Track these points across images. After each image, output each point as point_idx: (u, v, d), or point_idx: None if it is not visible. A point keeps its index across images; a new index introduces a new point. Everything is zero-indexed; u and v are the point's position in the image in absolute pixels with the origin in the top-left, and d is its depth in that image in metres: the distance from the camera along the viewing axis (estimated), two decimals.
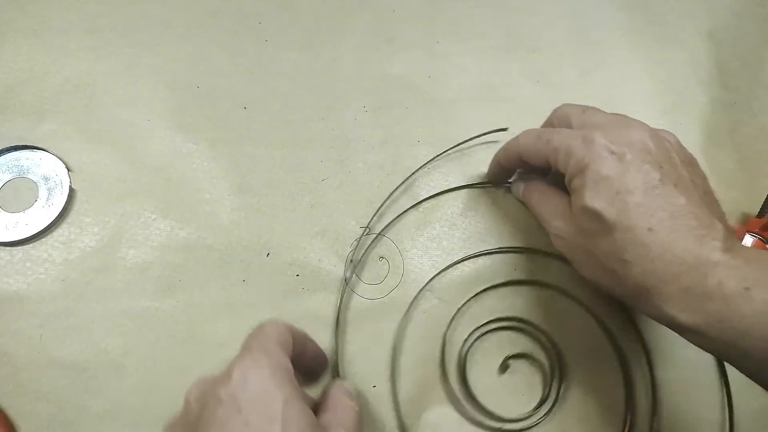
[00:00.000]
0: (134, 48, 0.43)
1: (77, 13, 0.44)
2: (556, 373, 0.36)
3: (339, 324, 0.36)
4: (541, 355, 0.37)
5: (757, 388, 0.36)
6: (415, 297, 0.38)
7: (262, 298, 0.37)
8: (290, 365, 0.25)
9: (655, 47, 0.46)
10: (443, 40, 0.45)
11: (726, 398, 0.36)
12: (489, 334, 0.37)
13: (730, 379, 0.36)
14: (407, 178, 0.40)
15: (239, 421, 0.21)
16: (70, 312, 0.36)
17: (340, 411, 0.28)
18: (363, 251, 0.38)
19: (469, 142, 0.41)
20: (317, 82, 0.43)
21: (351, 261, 0.38)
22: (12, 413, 0.34)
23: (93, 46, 0.43)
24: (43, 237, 0.37)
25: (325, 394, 0.30)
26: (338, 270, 0.38)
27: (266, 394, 0.22)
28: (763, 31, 0.47)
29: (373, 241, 0.39)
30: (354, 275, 0.38)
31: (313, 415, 0.24)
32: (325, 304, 0.37)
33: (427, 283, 0.38)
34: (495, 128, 0.41)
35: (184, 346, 0.35)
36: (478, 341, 0.37)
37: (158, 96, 0.42)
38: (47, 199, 0.38)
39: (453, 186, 0.41)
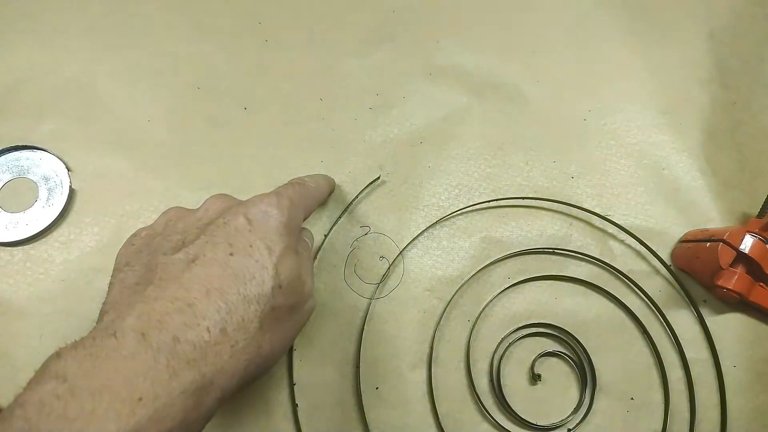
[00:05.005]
0: (134, 48, 0.43)
1: (77, 13, 0.44)
2: (588, 377, 0.37)
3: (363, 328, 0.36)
4: (569, 354, 0.37)
5: (753, 390, 0.36)
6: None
7: None
8: (301, 222, 0.31)
9: (655, 47, 0.46)
10: (443, 40, 0.45)
11: (720, 398, 0.36)
12: (516, 341, 0.37)
13: (726, 379, 0.37)
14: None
15: (245, 238, 0.26)
16: (70, 312, 0.36)
17: (306, 260, 0.30)
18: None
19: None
20: (317, 82, 0.43)
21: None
22: None
23: (93, 46, 0.43)
24: (43, 237, 0.37)
25: None
26: (339, 269, 0.38)
27: (275, 235, 0.27)
28: (763, 31, 0.47)
29: (373, 240, 0.39)
30: (354, 274, 0.38)
31: (299, 267, 0.28)
32: (328, 304, 0.37)
33: (456, 291, 0.38)
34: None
35: None
36: (509, 348, 0.37)
37: (158, 96, 0.42)
38: (47, 199, 0.38)
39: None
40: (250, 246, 0.26)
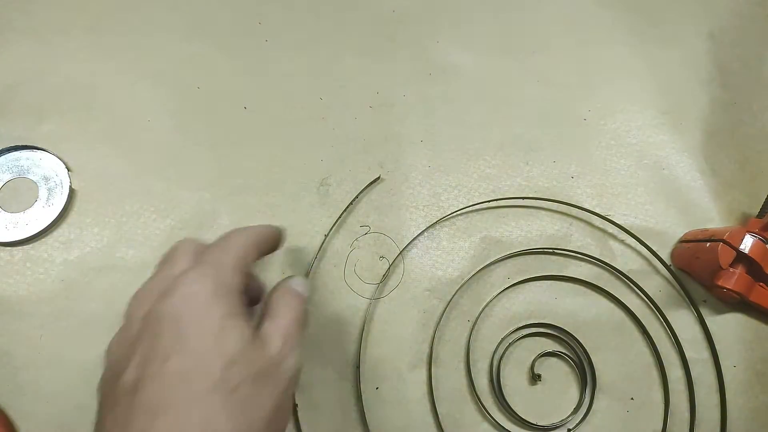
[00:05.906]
0: (135, 48, 0.43)
1: (77, 13, 0.44)
2: (588, 377, 0.37)
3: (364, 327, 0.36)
4: (569, 354, 0.37)
5: (753, 390, 0.36)
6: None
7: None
8: (238, 281, 0.25)
9: (655, 47, 0.46)
10: (443, 40, 0.45)
11: (720, 398, 0.36)
12: (516, 341, 0.37)
13: (726, 379, 0.37)
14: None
15: (174, 334, 0.22)
16: (70, 312, 0.36)
17: (281, 314, 0.26)
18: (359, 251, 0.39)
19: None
20: (317, 82, 0.43)
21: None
22: (12, 413, 0.34)
23: (93, 46, 0.43)
24: (43, 237, 0.37)
25: (267, 299, 0.27)
26: (339, 269, 0.38)
27: (205, 311, 0.23)
28: (763, 31, 0.47)
29: (373, 240, 0.39)
30: (354, 274, 0.38)
31: (250, 331, 0.24)
32: (328, 304, 0.37)
33: (457, 291, 0.38)
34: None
35: None
36: (509, 348, 0.37)
37: (158, 96, 0.42)
38: (47, 199, 0.38)
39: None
40: (182, 338, 0.22)
